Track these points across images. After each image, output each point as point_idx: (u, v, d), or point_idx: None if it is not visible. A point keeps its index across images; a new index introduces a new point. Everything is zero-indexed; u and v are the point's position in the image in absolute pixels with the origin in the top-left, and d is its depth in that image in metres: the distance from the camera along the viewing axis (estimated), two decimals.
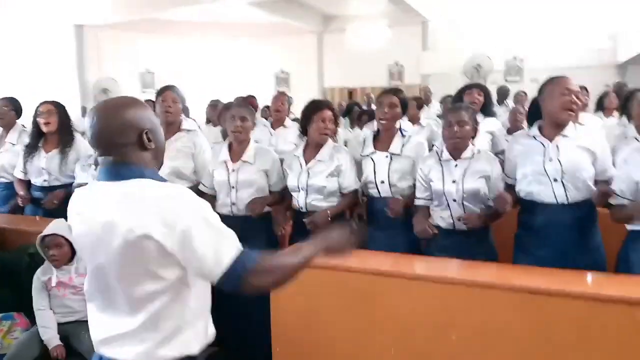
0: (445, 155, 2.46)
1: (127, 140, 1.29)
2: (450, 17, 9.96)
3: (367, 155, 2.74)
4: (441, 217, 2.42)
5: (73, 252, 2.50)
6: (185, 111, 3.33)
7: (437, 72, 10.03)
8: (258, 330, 2.37)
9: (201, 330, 1.36)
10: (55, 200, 3.23)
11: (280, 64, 11.28)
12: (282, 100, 4.10)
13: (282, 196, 2.86)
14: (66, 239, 2.45)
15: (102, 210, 1.27)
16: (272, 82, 11.30)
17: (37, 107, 3.41)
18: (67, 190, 3.26)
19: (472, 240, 2.33)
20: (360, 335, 2.10)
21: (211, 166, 2.89)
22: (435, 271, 2.05)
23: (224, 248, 1.23)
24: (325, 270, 2.14)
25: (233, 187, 2.74)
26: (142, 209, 1.22)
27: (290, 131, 3.97)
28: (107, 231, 1.24)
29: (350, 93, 10.66)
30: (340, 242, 1.42)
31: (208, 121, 5.49)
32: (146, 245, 1.21)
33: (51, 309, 2.48)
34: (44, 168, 3.37)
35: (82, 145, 3.42)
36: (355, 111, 5.62)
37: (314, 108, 2.73)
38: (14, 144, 3.66)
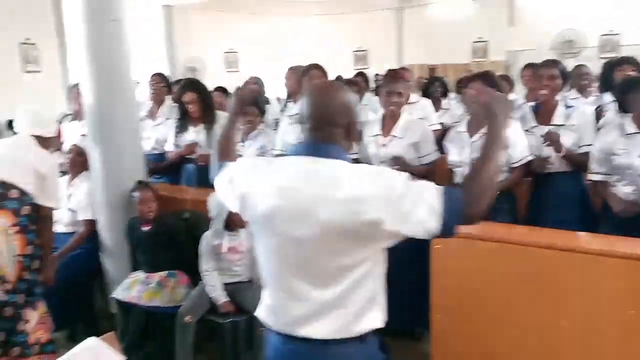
0: (630, 128, 2.42)
1: (341, 122, 1.37)
2: None
3: (528, 130, 2.74)
4: (624, 193, 2.40)
5: None
6: None
7: (524, 49, 9.67)
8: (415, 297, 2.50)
9: (384, 306, 1.40)
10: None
11: (359, 41, 11.25)
12: (407, 76, 4.20)
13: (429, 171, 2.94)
14: None
15: (308, 184, 1.31)
16: (351, 59, 11.31)
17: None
18: None
19: None
20: (525, 307, 2.17)
21: (365, 138, 3.04)
22: (613, 247, 2.06)
23: (432, 199, 1.24)
24: (490, 242, 2.22)
25: (383, 162, 2.85)
26: (353, 186, 1.27)
27: (418, 106, 4.07)
28: (316, 204, 1.28)
29: (432, 70, 10.48)
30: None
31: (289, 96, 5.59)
32: (359, 219, 1.25)
33: (216, 270, 2.71)
34: (195, 141, 3.64)
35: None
36: (436, 86, 5.46)
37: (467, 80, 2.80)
38: (167, 118, 3.96)
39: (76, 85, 4.73)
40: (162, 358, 2.73)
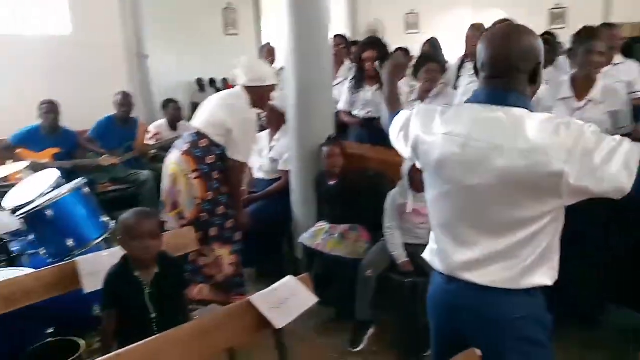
0: None
1: (524, 67, 1.28)
2: None
3: None
4: None
5: None
6: None
7: None
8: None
9: (556, 265, 1.35)
10: None
11: None
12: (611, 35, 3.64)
13: None
14: None
15: (486, 132, 1.27)
16: (545, 18, 10.18)
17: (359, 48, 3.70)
18: None
19: None
20: None
21: (549, 101, 2.75)
22: None
23: (628, 155, 1.16)
24: None
25: None
26: (534, 135, 1.20)
27: (622, 68, 3.53)
28: (493, 153, 1.24)
29: None
30: None
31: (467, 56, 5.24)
32: (540, 170, 1.19)
33: (398, 229, 2.71)
34: (370, 101, 3.67)
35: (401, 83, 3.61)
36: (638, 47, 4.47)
37: None
38: (345, 79, 4.07)
39: (265, 45, 5.09)
40: (343, 304, 2.86)
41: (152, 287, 1.87)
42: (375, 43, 3.71)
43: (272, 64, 4.96)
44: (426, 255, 1.52)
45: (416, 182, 2.62)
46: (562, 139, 1.18)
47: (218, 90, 9.17)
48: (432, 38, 6.02)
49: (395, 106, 1.71)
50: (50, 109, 4.33)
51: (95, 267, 2.06)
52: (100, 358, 1.58)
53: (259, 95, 2.91)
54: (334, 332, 2.89)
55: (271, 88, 2.97)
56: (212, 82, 9.28)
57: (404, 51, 5.44)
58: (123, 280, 1.85)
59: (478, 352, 1.34)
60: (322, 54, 3.14)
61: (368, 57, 3.60)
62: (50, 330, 2.44)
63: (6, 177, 3.73)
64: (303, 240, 3.02)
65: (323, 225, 3.04)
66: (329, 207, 3.10)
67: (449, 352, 1.41)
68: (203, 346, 1.72)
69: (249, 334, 1.88)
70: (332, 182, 3.07)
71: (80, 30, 5.66)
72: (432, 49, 5.11)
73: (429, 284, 1.53)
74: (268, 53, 5.08)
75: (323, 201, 3.15)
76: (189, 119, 6.40)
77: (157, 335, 1.69)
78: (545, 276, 1.32)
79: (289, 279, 1.97)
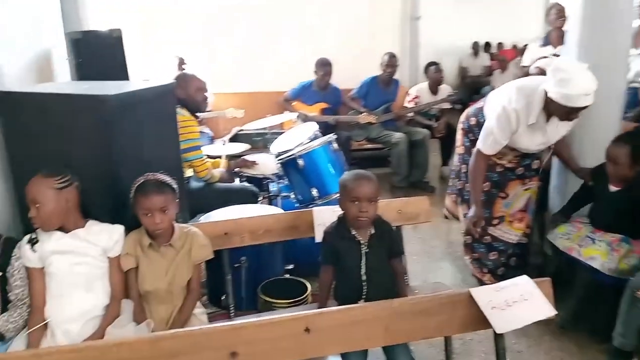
0: None
1: None
2: None
3: None
4: None
5: None
6: None
7: None
8: None
9: None
10: None
11: None
12: None
13: None
14: None
15: None
16: None
17: None
18: None
19: None
20: None
21: None
22: None
23: None
24: None
25: None
26: None
27: None
28: None
29: None
30: None
31: None
32: None
33: None
34: None
35: None
36: None
37: None
38: None
39: (553, 5, 4.38)
40: (602, 329, 2.31)
41: (368, 247, 1.84)
42: None
43: (562, 25, 4.28)
44: None
45: None
46: None
47: (492, 55, 8.57)
48: None
49: None
50: (325, 64, 4.69)
51: (327, 219, 2.11)
52: (316, 309, 1.64)
53: (557, 109, 2.38)
54: (577, 349, 2.41)
55: (577, 110, 2.35)
56: (487, 46, 8.72)
57: None
58: (341, 237, 1.86)
59: None
60: (620, 28, 2.49)
61: None
62: (290, 267, 2.68)
63: (281, 124, 4.25)
64: (554, 240, 2.54)
65: (583, 226, 2.50)
66: (602, 210, 2.50)
67: None
68: (415, 326, 1.61)
69: (466, 328, 1.68)
70: (615, 188, 2.45)
71: None
72: None
73: None
74: (557, 14, 4.40)
75: (596, 201, 2.56)
76: (453, 85, 6.18)
77: (370, 302, 1.65)
78: None
79: (524, 279, 1.66)
